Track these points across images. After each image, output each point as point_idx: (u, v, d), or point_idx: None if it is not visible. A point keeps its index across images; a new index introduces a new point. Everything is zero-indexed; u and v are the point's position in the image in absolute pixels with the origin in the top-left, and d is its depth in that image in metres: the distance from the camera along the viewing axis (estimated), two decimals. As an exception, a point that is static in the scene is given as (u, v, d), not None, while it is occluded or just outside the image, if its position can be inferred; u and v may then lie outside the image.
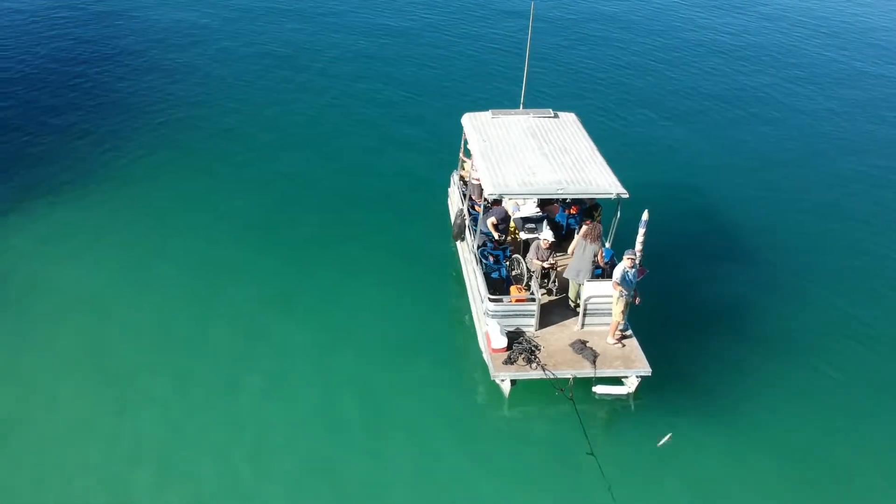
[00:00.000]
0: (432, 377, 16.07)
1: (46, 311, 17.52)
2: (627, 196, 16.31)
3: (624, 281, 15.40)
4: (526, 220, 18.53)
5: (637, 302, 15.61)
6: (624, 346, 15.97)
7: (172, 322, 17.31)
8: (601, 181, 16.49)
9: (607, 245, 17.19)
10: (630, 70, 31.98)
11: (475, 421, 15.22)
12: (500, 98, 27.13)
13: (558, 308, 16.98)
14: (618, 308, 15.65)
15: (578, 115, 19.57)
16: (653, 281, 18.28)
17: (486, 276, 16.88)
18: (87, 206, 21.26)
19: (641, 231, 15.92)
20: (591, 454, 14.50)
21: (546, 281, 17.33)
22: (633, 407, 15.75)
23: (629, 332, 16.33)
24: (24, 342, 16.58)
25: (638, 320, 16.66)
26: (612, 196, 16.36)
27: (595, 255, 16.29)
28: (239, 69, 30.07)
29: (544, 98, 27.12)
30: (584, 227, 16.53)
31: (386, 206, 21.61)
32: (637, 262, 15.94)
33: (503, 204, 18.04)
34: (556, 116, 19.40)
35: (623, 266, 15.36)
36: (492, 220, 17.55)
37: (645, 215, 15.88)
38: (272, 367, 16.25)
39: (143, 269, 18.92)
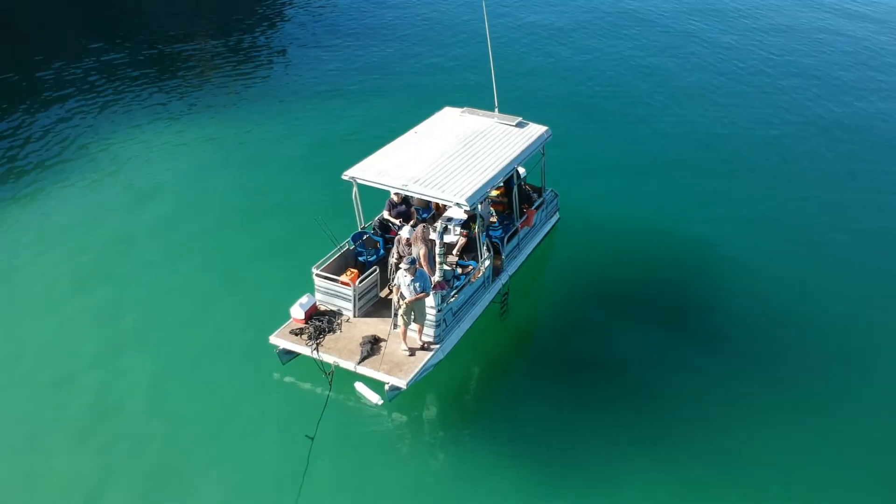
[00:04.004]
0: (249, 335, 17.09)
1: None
2: (468, 208, 15.82)
3: (404, 287, 15.11)
4: (449, 220, 18.49)
5: (400, 305, 15.12)
6: (412, 355, 15.59)
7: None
8: (451, 189, 16.08)
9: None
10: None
11: (243, 374, 16.16)
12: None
13: None
14: (401, 313, 15.39)
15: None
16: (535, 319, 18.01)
17: (354, 257, 17.53)
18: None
19: (438, 243, 15.31)
20: (311, 438, 14.75)
21: (405, 277, 17.30)
22: (387, 416, 15.39)
23: (437, 345, 15.81)
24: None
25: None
26: (450, 204, 15.95)
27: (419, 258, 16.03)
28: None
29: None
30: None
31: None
32: (437, 276, 15.46)
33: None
34: (519, 125, 18.75)
35: (401, 272, 15.08)
36: (385, 211, 17.96)
37: (439, 226, 15.24)
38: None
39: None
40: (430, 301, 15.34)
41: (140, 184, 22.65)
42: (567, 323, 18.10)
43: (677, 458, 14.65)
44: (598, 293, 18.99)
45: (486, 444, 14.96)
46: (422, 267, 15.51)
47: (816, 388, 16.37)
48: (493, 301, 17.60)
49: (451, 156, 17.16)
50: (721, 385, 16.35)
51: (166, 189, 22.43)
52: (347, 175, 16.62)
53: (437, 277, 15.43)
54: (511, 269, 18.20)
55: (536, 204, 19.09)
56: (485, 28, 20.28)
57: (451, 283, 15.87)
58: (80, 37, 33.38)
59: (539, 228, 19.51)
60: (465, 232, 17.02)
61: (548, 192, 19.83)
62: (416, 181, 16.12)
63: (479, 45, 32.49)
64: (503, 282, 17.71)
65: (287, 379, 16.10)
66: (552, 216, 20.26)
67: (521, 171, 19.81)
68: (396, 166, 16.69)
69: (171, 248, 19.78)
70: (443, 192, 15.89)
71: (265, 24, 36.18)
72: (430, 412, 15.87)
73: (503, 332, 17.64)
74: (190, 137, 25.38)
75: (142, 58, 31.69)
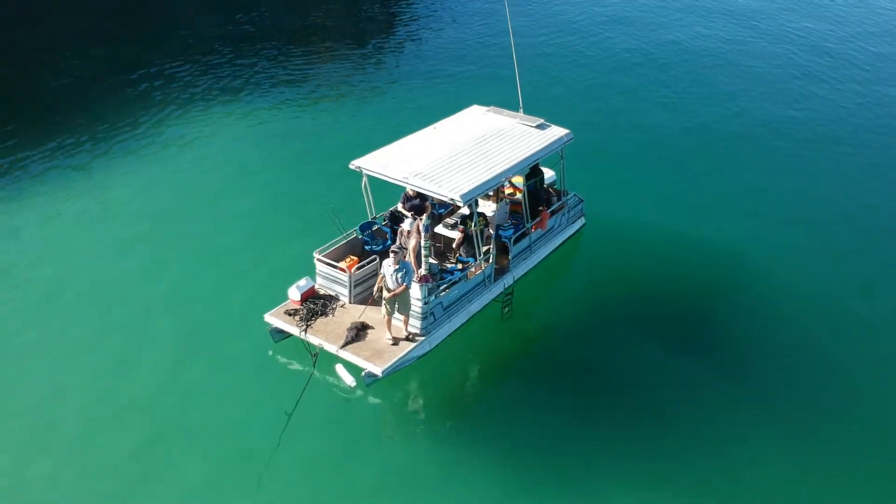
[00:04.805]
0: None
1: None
2: (461, 205, 16.02)
3: (388, 276, 15.42)
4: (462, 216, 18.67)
5: (380, 294, 15.42)
6: (395, 345, 15.87)
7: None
8: (447, 184, 16.26)
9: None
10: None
11: (241, 348, 16.79)
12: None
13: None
14: (384, 303, 15.70)
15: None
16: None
17: (361, 246, 17.99)
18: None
19: (425, 235, 15.52)
20: (289, 415, 15.26)
21: (405, 268, 17.59)
22: (368, 401, 15.66)
23: (423, 337, 16.04)
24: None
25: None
26: (446, 199, 16.16)
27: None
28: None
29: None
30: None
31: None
32: (423, 269, 15.69)
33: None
34: (540, 127, 18.73)
35: (386, 262, 15.41)
36: (399, 204, 18.29)
37: (424, 219, 15.44)
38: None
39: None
40: (416, 293, 15.54)
41: (208, 161, 23.97)
42: (575, 330, 17.84)
43: (668, 481, 14.18)
44: (614, 304, 18.60)
45: (467, 439, 14.98)
46: (410, 259, 15.73)
47: (851, 434, 15.39)
48: (495, 300, 17.59)
49: (460, 152, 17.31)
50: (733, 411, 15.72)
51: (231, 166, 23.60)
52: (354, 164, 17.02)
53: (422, 271, 15.61)
54: (520, 271, 18.13)
55: (552, 208, 18.92)
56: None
57: (437, 276, 15.99)
58: (204, 12, 35.52)
59: (557, 232, 19.34)
60: (461, 228, 17.13)
61: (570, 197, 19.62)
62: (417, 174, 16.35)
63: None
64: (508, 282, 17.65)
65: (279, 357, 16.64)
66: (575, 221, 20.03)
67: (550, 174, 19.70)
68: (403, 159, 16.97)
69: (214, 222, 20.84)
70: (440, 186, 16.06)
71: (388, 12, 37.24)
72: (412, 402, 16.10)
73: (504, 333, 17.61)
74: (279, 122, 26.61)
75: (262, 33, 33.75)
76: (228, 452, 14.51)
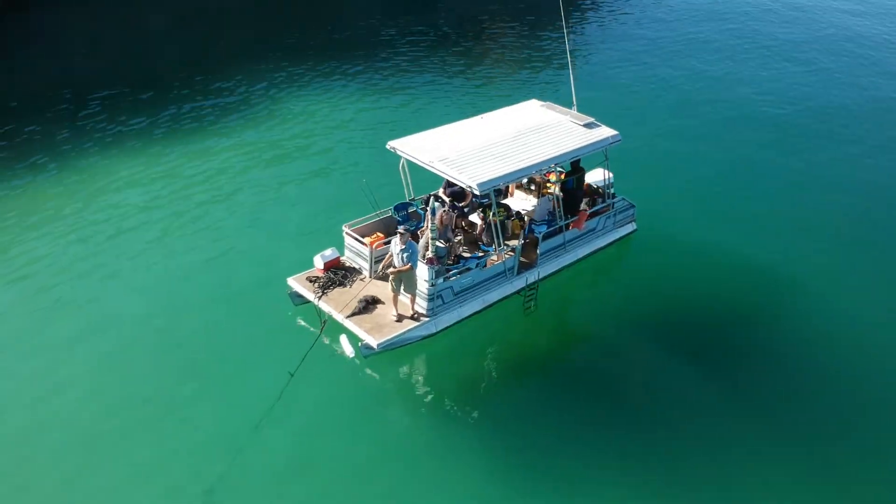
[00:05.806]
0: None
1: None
2: (478, 193, 16.27)
3: (395, 254, 15.93)
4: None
5: (377, 273, 15.88)
6: (399, 321, 16.36)
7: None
8: (468, 173, 16.49)
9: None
10: None
11: (265, 306, 17.75)
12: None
13: None
14: (390, 280, 16.20)
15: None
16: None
17: (396, 225, 18.57)
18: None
19: (429, 217, 15.86)
20: (291, 375, 16.04)
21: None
22: (365, 372, 16.12)
23: (428, 319, 16.42)
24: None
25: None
26: (464, 186, 16.46)
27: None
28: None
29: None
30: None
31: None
32: (429, 251, 16.07)
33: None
34: (587, 126, 18.58)
35: (394, 241, 15.92)
36: (441, 189, 18.71)
37: (430, 203, 15.77)
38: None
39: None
40: (424, 273, 15.90)
41: (305, 139, 25.26)
42: (600, 337, 17.49)
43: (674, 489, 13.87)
44: (648, 318, 17.97)
45: (468, 429, 15.01)
46: (418, 240, 16.13)
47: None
48: (518, 294, 17.63)
49: (496, 143, 17.46)
50: (758, 445, 15.00)
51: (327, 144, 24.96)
52: (390, 145, 17.54)
53: (429, 253, 15.94)
54: (548, 269, 18.04)
55: (595, 209, 18.67)
56: None
57: (444, 260, 16.25)
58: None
59: (599, 235, 19.06)
60: (481, 216, 17.30)
61: (618, 200, 19.26)
62: (443, 160, 16.66)
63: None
64: (531, 278, 17.62)
65: (298, 319, 17.42)
66: (622, 226, 19.63)
67: (607, 175, 19.37)
68: (437, 144, 17.32)
69: (283, 191, 22.13)
70: (461, 173, 16.29)
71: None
72: (415, 382, 16.40)
73: (525, 328, 17.55)
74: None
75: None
76: (231, 401, 15.34)
